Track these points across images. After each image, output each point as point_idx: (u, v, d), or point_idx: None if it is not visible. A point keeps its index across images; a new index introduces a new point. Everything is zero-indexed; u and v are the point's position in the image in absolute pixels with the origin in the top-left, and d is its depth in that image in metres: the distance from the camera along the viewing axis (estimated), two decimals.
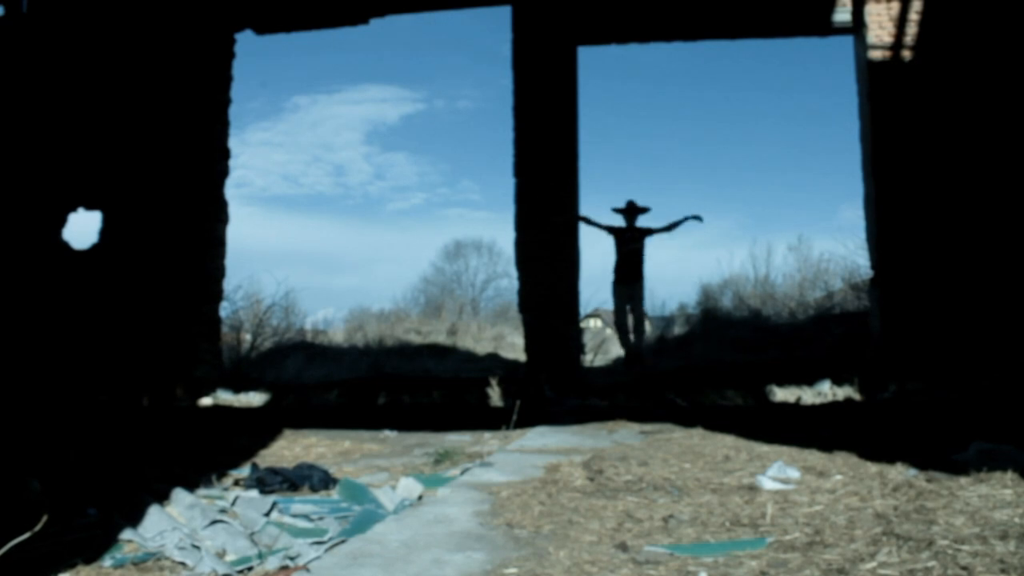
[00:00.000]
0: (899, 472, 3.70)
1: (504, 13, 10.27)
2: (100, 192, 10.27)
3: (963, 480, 3.24)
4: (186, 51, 10.66)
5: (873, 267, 9.38)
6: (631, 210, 11.40)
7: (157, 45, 10.53)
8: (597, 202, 32.08)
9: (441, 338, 16.24)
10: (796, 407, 8.00)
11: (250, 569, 2.77)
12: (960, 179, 8.80)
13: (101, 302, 9.94)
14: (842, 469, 3.90)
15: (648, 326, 13.88)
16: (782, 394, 8.94)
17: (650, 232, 11.38)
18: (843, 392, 8.69)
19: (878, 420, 6.32)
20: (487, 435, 6.28)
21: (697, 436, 5.50)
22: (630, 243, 11.24)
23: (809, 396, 8.76)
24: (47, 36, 10.11)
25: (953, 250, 8.74)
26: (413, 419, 7.58)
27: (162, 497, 3.55)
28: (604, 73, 74.59)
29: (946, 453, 4.06)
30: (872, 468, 3.88)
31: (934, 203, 8.84)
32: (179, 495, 3.56)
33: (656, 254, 65.52)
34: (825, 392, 8.84)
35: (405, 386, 10.15)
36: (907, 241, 8.90)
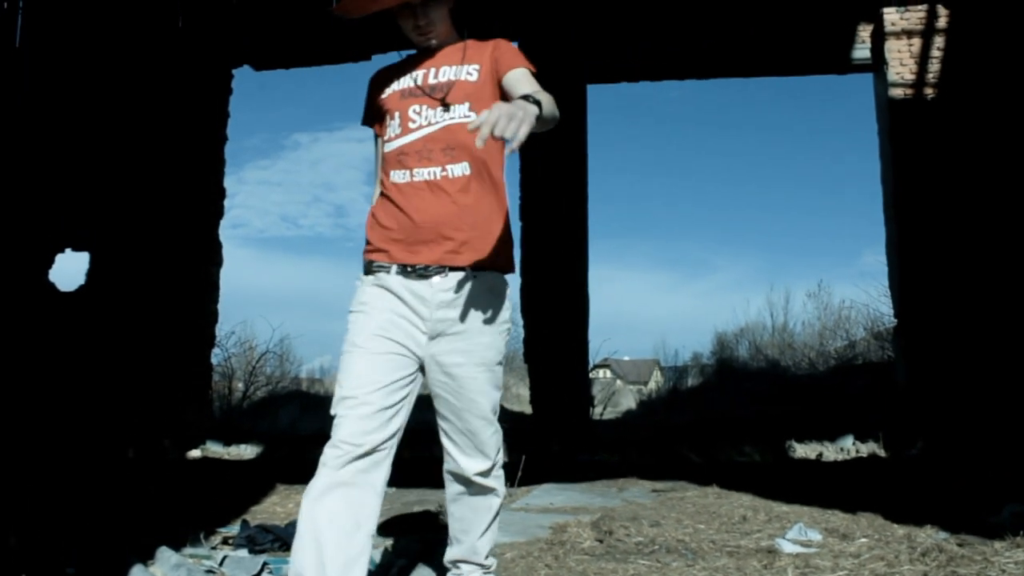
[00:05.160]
0: (928, 535, 3.66)
1: None
2: (88, 232, 10.33)
3: (997, 545, 3.20)
4: (181, 87, 10.79)
5: (897, 315, 9.36)
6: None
7: (151, 80, 10.66)
8: (608, 247, 32.23)
9: None
10: (817, 464, 7.94)
11: None
12: (987, 223, 8.79)
13: (86, 347, 9.94)
14: (867, 531, 3.86)
15: (659, 377, 13.72)
16: (802, 450, 8.87)
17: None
18: (867, 448, 8.63)
19: (905, 479, 6.26)
20: None
21: (712, 495, 5.45)
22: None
23: (831, 452, 8.70)
24: (40, 69, 10.25)
25: (981, 297, 8.70)
26: (413, 474, 7.52)
27: (146, 555, 3.52)
28: (614, 109, 75.24)
29: (979, 515, 4.02)
30: (899, 531, 3.84)
31: (961, 247, 8.83)
32: (164, 554, 3.53)
33: (664, 301, 65.25)
34: (848, 448, 8.77)
35: (404, 440, 10.07)
36: (932, 287, 8.87)
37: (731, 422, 10.28)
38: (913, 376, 8.87)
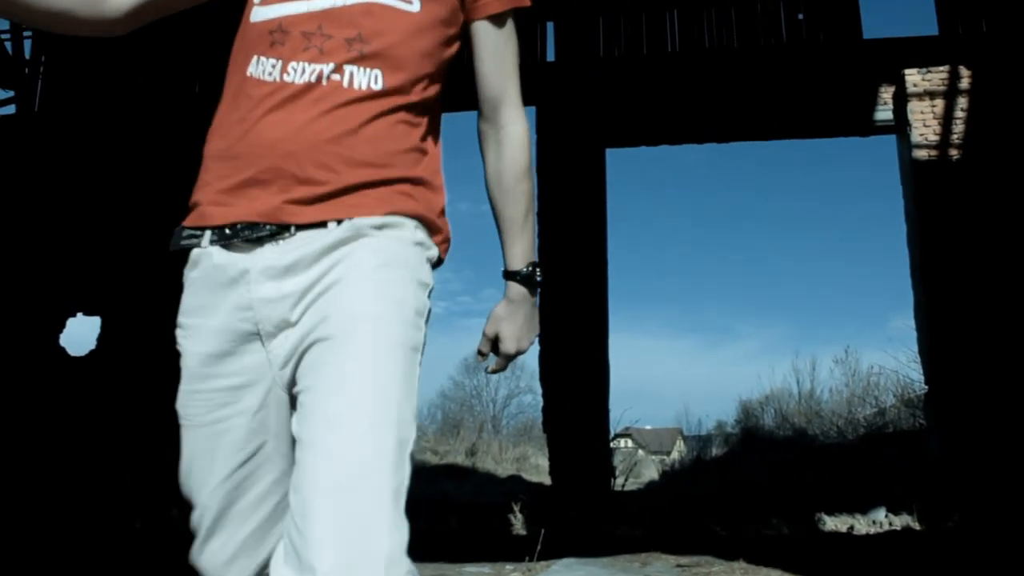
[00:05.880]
0: None
1: (528, 115, 10.49)
2: (100, 296, 10.41)
3: None
4: (190, 144, 10.96)
5: (928, 381, 9.25)
6: None
7: (162, 142, 10.84)
8: (629, 314, 32.23)
9: (459, 458, 16.09)
10: (849, 537, 7.80)
11: None
12: (1019, 285, 8.73)
13: (95, 412, 9.95)
14: None
15: (682, 446, 13.60)
16: (832, 523, 8.72)
17: None
18: (900, 521, 8.47)
19: (941, 554, 6.12)
20: (508, 567, 6.13)
21: (739, 570, 5.35)
22: None
23: (863, 525, 8.54)
24: (55, 133, 10.47)
25: (1017, 362, 8.59)
26: (428, 548, 7.44)
27: None
28: (633, 173, 75.84)
29: None
30: None
31: (992, 311, 8.75)
32: None
33: (686, 368, 65.06)
34: (881, 521, 8.62)
35: (419, 511, 9.98)
36: (964, 352, 8.76)
37: (757, 493, 10.12)
38: (947, 445, 8.73)
